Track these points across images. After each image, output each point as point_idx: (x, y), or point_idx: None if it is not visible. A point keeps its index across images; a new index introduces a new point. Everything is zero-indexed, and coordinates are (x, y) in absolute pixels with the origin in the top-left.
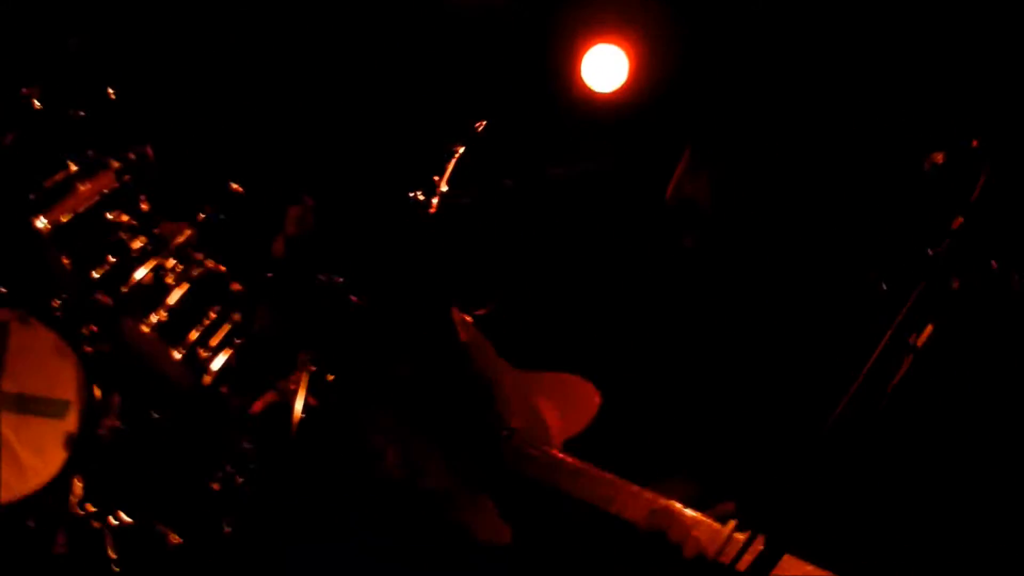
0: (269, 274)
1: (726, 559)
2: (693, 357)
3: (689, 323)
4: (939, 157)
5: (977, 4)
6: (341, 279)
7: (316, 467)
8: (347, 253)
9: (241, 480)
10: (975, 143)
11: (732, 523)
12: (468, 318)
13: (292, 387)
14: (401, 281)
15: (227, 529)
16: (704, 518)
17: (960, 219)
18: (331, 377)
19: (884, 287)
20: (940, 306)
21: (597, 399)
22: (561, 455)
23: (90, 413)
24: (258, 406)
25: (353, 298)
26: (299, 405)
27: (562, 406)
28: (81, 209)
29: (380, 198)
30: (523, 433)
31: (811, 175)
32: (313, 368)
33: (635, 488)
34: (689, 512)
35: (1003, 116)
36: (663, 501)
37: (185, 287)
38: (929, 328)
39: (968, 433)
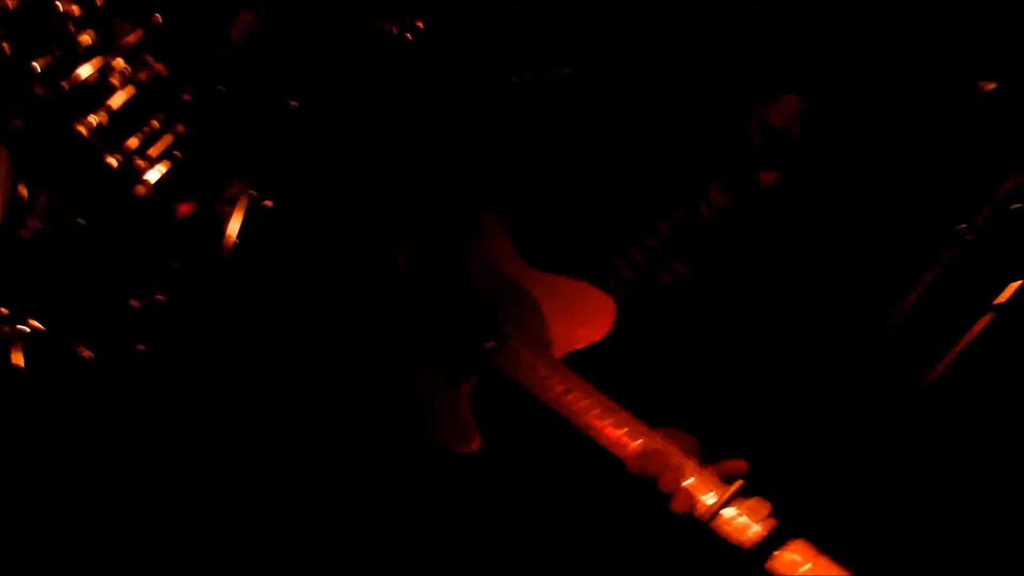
0: (221, 87)
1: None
2: (736, 299)
3: (739, 264)
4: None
5: None
6: (296, 103)
7: (245, 295)
8: (307, 73)
9: (163, 299)
10: None
11: (737, 483)
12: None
13: (227, 209)
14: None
15: (140, 347)
16: (705, 472)
17: None
18: (270, 203)
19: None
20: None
21: (612, 316)
22: (557, 364)
23: (12, 210)
24: (184, 209)
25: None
26: (234, 228)
27: (572, 314)
28: None
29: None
30: (521, 333)
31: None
32: (254, 193)
33: (630, 417)
34: (690, 461)
35: None
36: (661, 441)
37: (131, 91)
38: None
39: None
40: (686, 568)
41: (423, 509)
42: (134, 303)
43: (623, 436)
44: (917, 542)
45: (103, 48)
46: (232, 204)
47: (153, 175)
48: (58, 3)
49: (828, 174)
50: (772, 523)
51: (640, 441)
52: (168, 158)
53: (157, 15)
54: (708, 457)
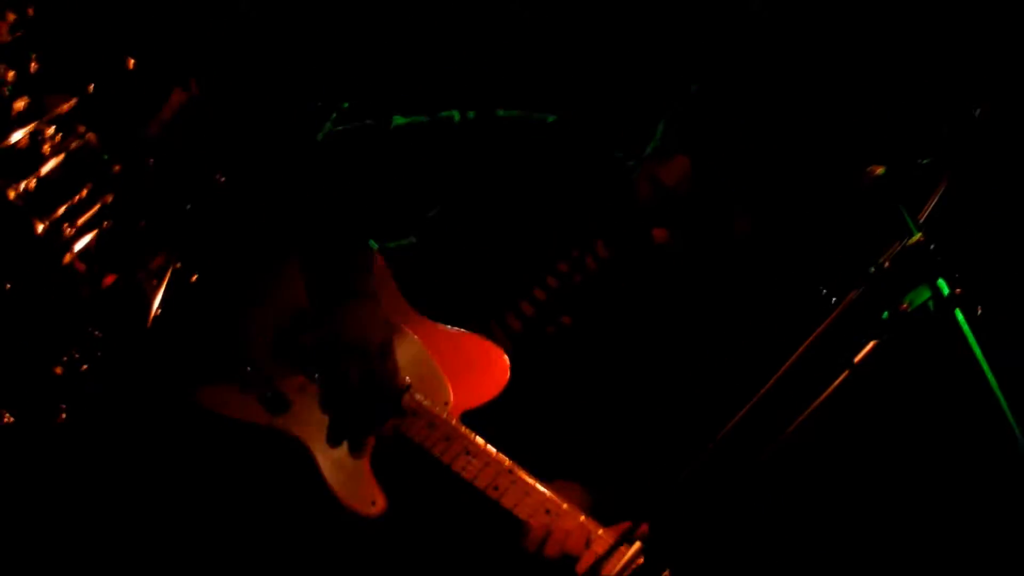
0: (150, 159)
1: None
2: (623, 352)
3: (628, 314)
4: (878, 169)
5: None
6: (223, 178)
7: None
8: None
9: (85, 367)
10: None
11: (637, 546)
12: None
13: (153, 282)
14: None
15: (62, 416)
16: (606, 534)
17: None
18: (195, 278)
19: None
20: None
21: (507, 371)
22: (455, 422)
23: None
24: (108, 280)
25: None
26: (157, 300)
27: (468, 370)
28: None
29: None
30: (416, 390)
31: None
32: (178, 264)
33: (531, 480)
34: (591, 522)
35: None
36: (563, 503)
37: (61, 158)
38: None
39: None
40: None
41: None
42: (57, 370)
43: (524, 495)
44: None
45: (35, 114)
46: (157, 275)
47: (80, 244)
48: None
49: (715, 230)
50: None
51: (539, 499)
52: (95, 227)
53: (90, 85)
54: (602, 512)
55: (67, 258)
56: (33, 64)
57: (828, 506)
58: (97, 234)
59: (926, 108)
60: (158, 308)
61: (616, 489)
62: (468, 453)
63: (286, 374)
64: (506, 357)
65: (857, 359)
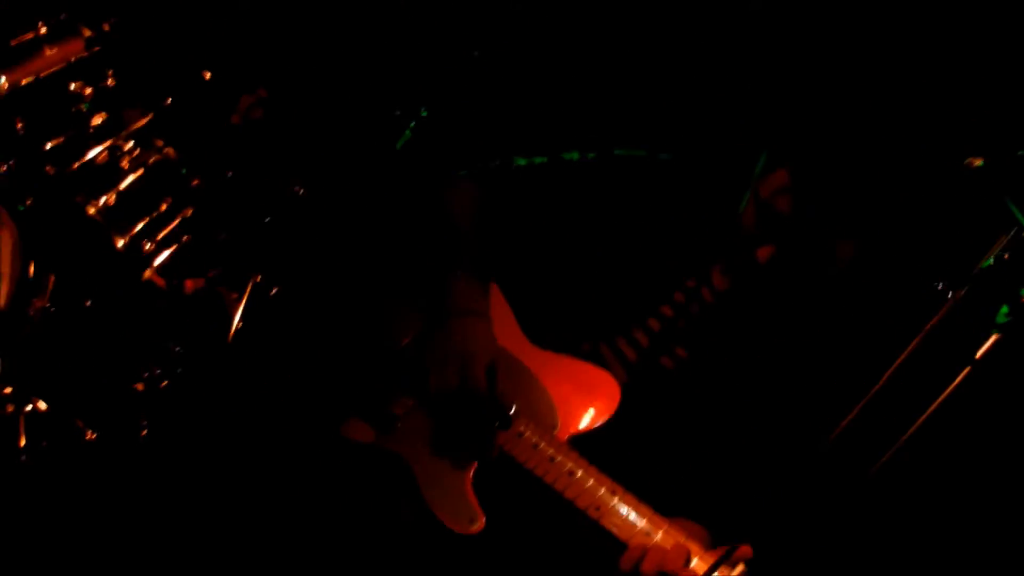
0: (229, 172)
1: None
2: (737, 384)
3: (742, 345)
4: (976, 161)
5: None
6: (302, 189)
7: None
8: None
9: (165, 384)
10: None
11: (740, 568)
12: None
13: (234, 295)
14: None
15: (144, 432)
16: (708, 555)
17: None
18: (275, 290)
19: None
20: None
21: (616, 398)
22: (561, 445)
23: (20, 290)
24: (189, 286)
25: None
26: (238, 314)
27: (577, 395)
28: (44, 74)
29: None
30: (527, 415)
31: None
32: (258, 278)
33: (634, 501)
34: (695, 545)
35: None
36: (663, 522)
37: (140, 172)
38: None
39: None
40: None
41: None
42: (138, 386)
43: (626, 523)
44: None
45: (113, 130)
46: (237, 289)
47: (159, 259)
48: (72, 83)
49: (818, 246)
50: None
51: (642, 532)
52: (175, 242)
53: (167, 99)
54: (716, 543)
55: (147, 273)
56: (110, 80)
57: (955, 506)
58: (176, 248)
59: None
60: (239, 322)
61: (726, 521)
62: (571, 475)
63: (397, 397)
64: (616, 384)
65: (979, 354)
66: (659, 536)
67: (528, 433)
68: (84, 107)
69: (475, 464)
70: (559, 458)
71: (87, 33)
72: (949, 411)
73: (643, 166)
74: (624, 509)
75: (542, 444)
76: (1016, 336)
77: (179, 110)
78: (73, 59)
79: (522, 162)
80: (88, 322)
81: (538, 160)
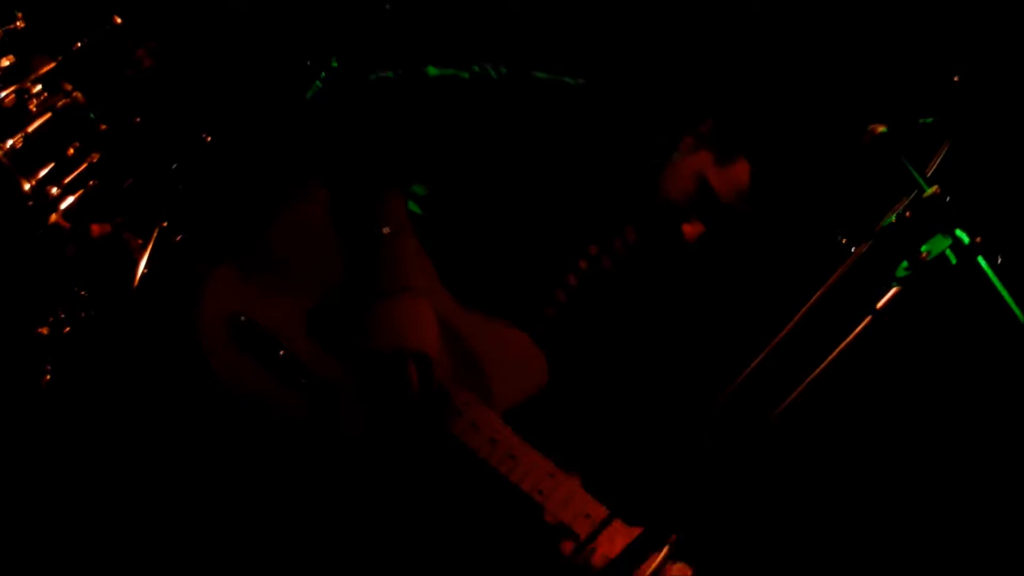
0: (136, 118)
1: None
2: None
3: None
4: (879, 128)
5: None
6: (209, 137)
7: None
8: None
9: (69, 329)
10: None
11: (665, 549)
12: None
13: (139, 241)
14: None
15: (47, 377)
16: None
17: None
18: (179, 238)
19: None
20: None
21: (545, 371)
22: (500, 424)
23: None
24: (96, 230)
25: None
26: (144, 259)
27: (505, 366)
28: None
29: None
30: (460, 386)
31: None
32: (165, 224)
33: (572, 484)
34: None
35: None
36: (600, 507)
37: (47, 116)
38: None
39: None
40: None
41: None
42: (42, 330)
43: (569, 507)
44: None
45: (21, 73)
46: (142, 235)
47: (65, 203)
48: None
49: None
50: None
51: (582, 514)
52: (81, 186)
53: (76, 43)
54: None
55: (53, 217)
56: (19, 22)
57: (850, 458)
58: (83, 193)
59: (925, 66)
60: (145, 267)
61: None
62: (513, 457)
63: (324, 363)
64: (543, 356)
65: (879, 305)
66: (598, 519)
67: (467, 412)
68: None
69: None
70: (500, 438)
71: None
72: (850, 358)
73: (562, 95)
74: (565, 492)
75: (479, 423)
76: (913, 289)
77: (88, 54)
78: None
79: (433, 71)
80: None
81: (451, 72)
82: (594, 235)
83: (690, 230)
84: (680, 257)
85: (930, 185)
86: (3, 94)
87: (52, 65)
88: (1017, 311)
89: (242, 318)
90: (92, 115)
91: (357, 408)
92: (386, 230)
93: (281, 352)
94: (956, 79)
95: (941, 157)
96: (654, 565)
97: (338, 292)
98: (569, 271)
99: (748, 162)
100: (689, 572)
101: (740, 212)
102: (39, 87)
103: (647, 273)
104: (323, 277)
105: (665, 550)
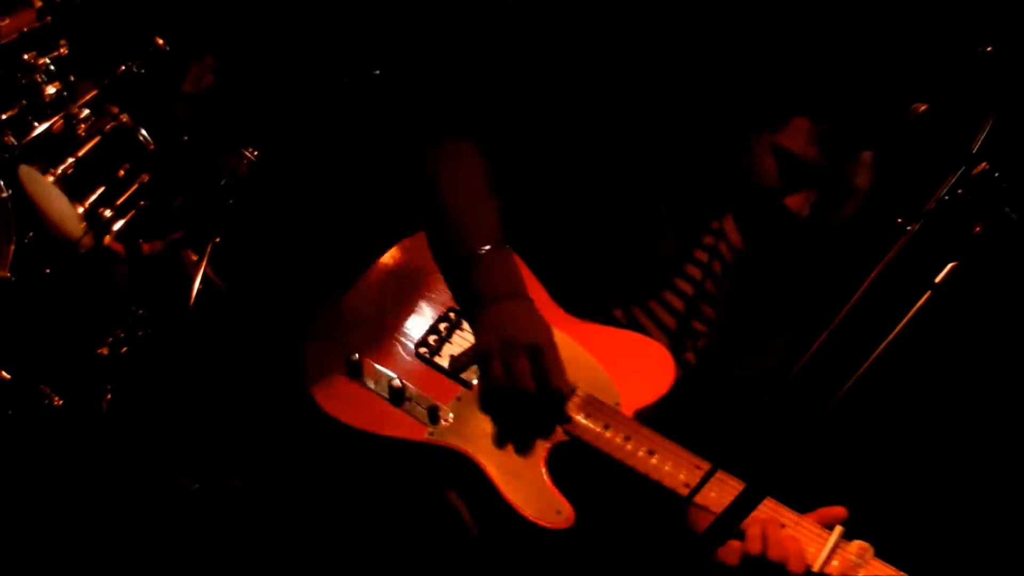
0: (184, 137)
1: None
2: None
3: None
4: (921, 107)
5: None
6: (255, 152)
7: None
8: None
9: (127, 349)
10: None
11: (839, 529)
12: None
13: (193, 258)
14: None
15: (108, 396)
16: (805, 520)
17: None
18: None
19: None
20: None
21: (672, 367)
22: (632, 422)
23: None
24: (146, 248)
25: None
26: (199, 275)
27: (630, 369)
28: None
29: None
30: (584, 392)
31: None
32: (217, 239)
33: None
34: (787, 512)
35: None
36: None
37: (96, 140)
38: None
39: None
40: None
41: None
42: (102, 351)
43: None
44: None
45: (68, 99)
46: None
47: (118, 224)
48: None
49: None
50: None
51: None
52: (133, 207)
53: (120, 67)
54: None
55: (106, 239)
56: (63, 49)
57: (919, 431)
58: (135, 214)
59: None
60: (200, 283)
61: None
62: (652, 453)
63: (433, 383)
64: (668, 353)
65: (938, 279)
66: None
67: (595, 413)
68: (40, 77)
69: (547, 450)
70: (635, 436)
71: (38, 3)
72: (911, 335)
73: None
74: (715, 483)
75: (612, 423)
76: (971, 265)
77: (133, 77)
78: (25, 29)
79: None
80: (50, 290)
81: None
82: (696, 239)
83: (794, 201)
84: (798, 232)
85: (983, 160)
86: (52, 121)
87: (98, 90)
88: None
89: (355, 356)
90: (140, 136)
91: (474, 425)
92: (483, 250)
93: (395, 382)
94: (989, 49)
95: (986, 132)
96: (828, 546)
97: (440, 320)
98: (680, 278)
99: (804, 117)
100: (869, 548)
101: (821, 164)
102: (87, 111)
103: (761, 267)
104: (422, 311)
105: (838, 530)
